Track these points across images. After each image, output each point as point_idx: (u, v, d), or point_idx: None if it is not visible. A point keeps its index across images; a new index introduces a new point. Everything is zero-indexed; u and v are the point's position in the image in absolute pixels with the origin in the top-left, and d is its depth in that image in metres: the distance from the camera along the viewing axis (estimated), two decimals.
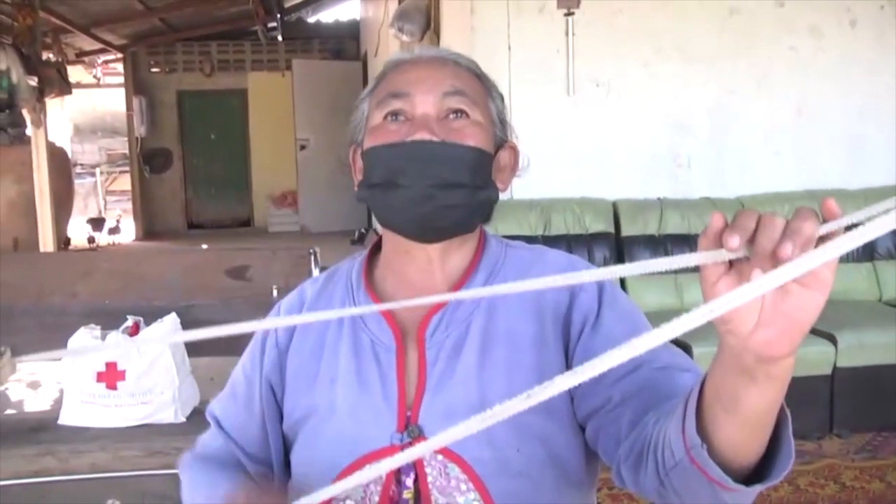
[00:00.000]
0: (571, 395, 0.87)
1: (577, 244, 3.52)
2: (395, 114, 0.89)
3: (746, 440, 0.63)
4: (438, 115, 0.88)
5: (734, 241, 0.51)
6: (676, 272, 3.60)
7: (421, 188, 0.85)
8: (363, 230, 8.69)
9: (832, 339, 3.05)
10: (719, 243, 0.52)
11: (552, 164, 3.66)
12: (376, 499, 0.86)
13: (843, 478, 2.77)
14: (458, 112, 0.89)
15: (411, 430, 0.86)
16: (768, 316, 0.53)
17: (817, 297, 0.51)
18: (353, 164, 0.96)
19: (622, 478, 0.79)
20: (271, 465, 0.98)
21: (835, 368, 3.07)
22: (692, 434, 0.64)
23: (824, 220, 0.50)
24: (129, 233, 9.39)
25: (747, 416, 0.61)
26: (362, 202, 0.92)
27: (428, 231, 0.89)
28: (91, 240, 8.42)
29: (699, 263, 0.54)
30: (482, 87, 0.94)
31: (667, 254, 3.54)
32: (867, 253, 3.66)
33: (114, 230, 8.95)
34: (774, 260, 0.49)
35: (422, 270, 0.93)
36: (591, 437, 0.86)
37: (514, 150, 0.98)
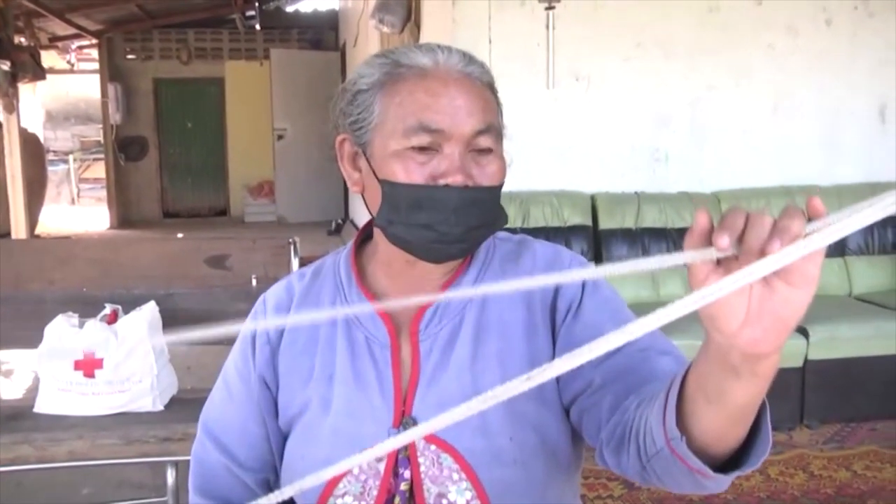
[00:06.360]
0: (557, 379, 0.88)
1: (555, 237, 3.53)
2: (423, 147, 0.85)
3: (727, 430, 0.65)
4: (466, 149, 0.85)
5: (724, 240, 0.51)
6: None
7: (455, 234, 0.85)
8: (340, 221, 8.67)
9: (804, 333, 3.11)
10: (706, 242, 0.52)
11: (531, 157, 3.68)
12: (375, 493, 0.87)
13: (812, 467, 2.82)
14: (486, 150, 0.87)
15: (406, 423, 0.87)
16: (755, 314, 0.53)
17: (803, 295, 0.52)
18: (342, 155, 0.93)
19: (605, 460, 0.81)
20: (272, 469, 0.97)
21: (806, 361, 3.13)
22: (672, 426, 0.67)
23: (810, 219, 0.50)
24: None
25: (730, 409, 0.63)
26: (381, 229, 0.90)
27: (441, 259, 0.89)
28: None
29: (688, 262, 0.54)
30: (495, 101, 0.91)
31: (644, 248, 3.57)
32: (839, 249, 3.73)
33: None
34: (762, 257, 0.50)
35: (421, 276, 0.93)
36: (575, 420, 0.88)
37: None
